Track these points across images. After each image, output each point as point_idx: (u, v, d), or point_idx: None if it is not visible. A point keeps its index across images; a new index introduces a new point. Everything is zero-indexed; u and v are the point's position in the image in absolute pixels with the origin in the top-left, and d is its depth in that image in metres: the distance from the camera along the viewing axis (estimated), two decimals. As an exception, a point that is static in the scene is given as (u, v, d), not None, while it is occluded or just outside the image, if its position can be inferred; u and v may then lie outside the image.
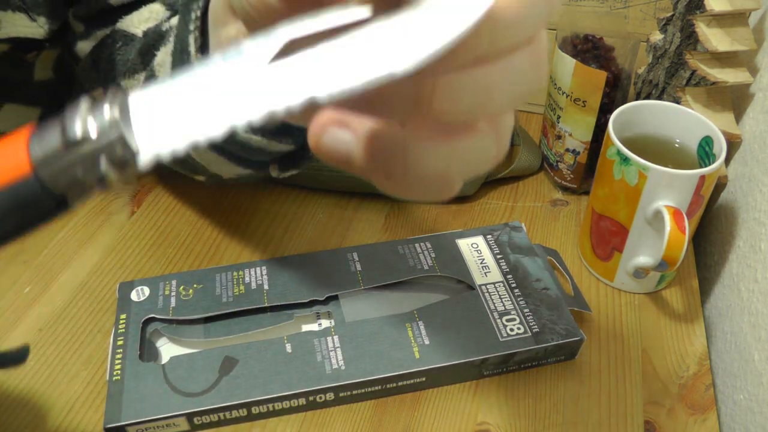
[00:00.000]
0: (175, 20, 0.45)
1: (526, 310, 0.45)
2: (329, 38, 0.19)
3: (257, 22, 0.27)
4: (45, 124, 0.20)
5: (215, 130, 0.18)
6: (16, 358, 0.34)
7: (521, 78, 0.20)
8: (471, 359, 0.42)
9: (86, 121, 0.19)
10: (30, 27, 0.46)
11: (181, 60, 0.37)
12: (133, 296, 0.46)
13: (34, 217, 0.20)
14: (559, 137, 0.56)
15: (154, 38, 0.45)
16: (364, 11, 0.19)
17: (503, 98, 0.20)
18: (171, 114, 0.19)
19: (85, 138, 0.19)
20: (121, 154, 0.19)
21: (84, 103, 0.20)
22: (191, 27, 0.35)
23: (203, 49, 0.36)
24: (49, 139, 0.20)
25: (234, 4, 0.28)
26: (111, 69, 0.47)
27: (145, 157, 0.19)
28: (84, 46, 0.49)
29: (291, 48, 0.19)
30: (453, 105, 0.19)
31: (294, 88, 0.18)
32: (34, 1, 0.45)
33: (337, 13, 0.19)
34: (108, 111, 0.20)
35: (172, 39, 0.40)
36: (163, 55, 0.42)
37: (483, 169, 0.22)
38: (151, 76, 0.43)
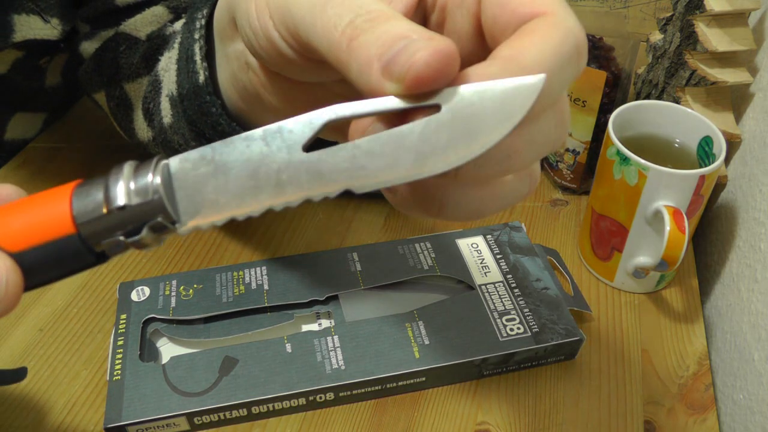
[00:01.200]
0: (178, 24, 0.45)
1: (525, 310, 0.45)
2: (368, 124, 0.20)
3: (263, 59, 0.27)
4: (89, 183, 0.21)
5: (254, 210, 0.20)
6: (14, 377, 0.35)
7: (545, 139, 0.21)
8: (471, 359, 0.42)
9: (130, 189, 0.20)
10: (44, 29, 0.46)
11: (186, 68, 0.37)
12: (134, 296, 0.46)
13: (74, 268, 0.22)
14: (559, 137, 0.56)
15: (158, 43, 0.45)
16: (401, 102, 0.19)
17: (527, 159, 0.21)
18: (212, 190, 0.20)
19: (127, 205, 0.20)
20: (161, 223, 0.20)
21: (127, 169, 0.21)
22: (196, 36, 0.36)
23: (208, 57, 0.36)
24: (93, 202, 0.21)
25: (243, 40, 0.28)
26: (115, 72, 0.47)
27: (184, 228, 0.20)
28: (88, 47, 0.49)
29: (329, 129, 0.20)
30: (479, 171, 0.20)
31: (333, 181, 0.19)
32: (46, 3, 0.45)
33: (376, 101, 0.20)
34: (151, 179, 0.20)
35: (176, 46, 0.40)
36: (167, 61, 0.42)
37: (514, 204, 0.23)
38: (155, 81, 0.43)
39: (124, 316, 0.45)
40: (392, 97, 0.19)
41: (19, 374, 0.35)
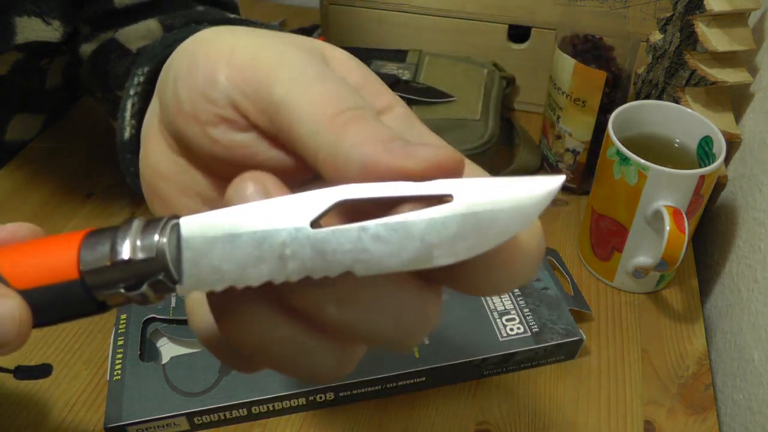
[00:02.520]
0: None
1: (525, 310, 0.45)
2: (379, 208, 0.20)
3: (205, 163, 0.24)
4: (99, 233, 0.21)
5: (255, 282, 0.20)
6: (41, 372, 0.36)
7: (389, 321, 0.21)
8: (471, 359, 0.42)
9: (135, 245, 0.21)
10: (45, 31, 0.46)
11: (120, 120, 0.33)
12: (134, 296, 0.46)
13: (75, 314, 0.22)
14: (558, 137, 0.56)
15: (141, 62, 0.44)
16: (414, 188, 0.19)
17: (364, 332, 0.20)
18: (217, 256, 0.20)
19: (131, 260, 0.20)
20: (163, 281, 0.21)
21: (136, 225, 0.21)
22: (131, 92, 0.33)
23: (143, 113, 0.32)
24: (99, 252, 0.21)
25: (189, 143, 0.24)
26: (106, 79, 0.48)
27: (183, 289, 0.20)
28: (87, 48, 0.49)
29: (338, 209, 0.20)
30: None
31: (336, 261, 0.19)
32: (47, 5, 0.45)
33: (388, 186, 0.19)
34: (157, 239, 0.21)
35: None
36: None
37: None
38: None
39: (124, 316, 0.45)
40: (405, 183, 0.19)
41: (45, 370, 0.36)
